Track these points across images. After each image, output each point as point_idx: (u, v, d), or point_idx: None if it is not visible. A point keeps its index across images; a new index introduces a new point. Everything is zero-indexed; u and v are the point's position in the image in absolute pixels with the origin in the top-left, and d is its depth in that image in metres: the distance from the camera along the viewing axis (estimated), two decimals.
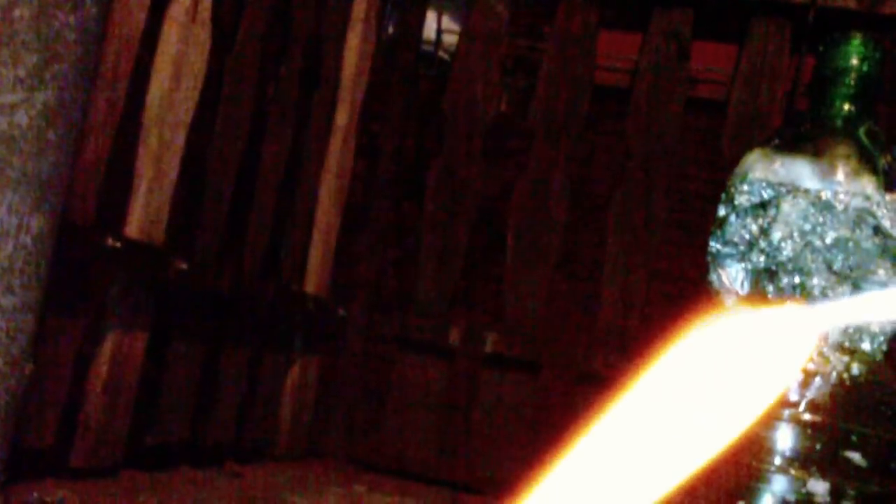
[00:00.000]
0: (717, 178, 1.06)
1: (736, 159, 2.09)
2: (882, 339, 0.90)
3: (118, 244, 1.55)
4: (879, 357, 0.89)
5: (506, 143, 2.79)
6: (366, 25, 2.28)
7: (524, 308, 2.21)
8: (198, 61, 1.77)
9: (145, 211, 1.68)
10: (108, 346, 1.59)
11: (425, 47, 2.88)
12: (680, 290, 3.20)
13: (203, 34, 1.77)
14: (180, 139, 1.74)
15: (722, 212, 0.95)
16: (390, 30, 2.41)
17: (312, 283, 2.24)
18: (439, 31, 3.92)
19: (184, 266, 1.71)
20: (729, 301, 0.91)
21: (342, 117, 2.26)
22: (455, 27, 3.58)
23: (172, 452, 1.80)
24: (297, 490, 1.80)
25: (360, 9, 2.28)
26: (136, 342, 1.65)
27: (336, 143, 2.27)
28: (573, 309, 2.82)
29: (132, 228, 1.66)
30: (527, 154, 2.28)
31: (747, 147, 2.18)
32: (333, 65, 2.24)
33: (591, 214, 2.73)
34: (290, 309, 2.17)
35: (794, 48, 2.13)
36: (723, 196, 0.96)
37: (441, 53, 3.79)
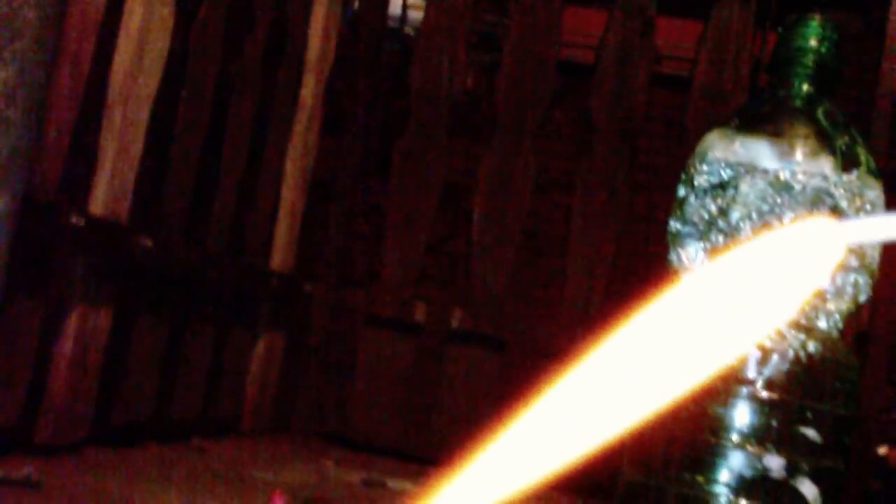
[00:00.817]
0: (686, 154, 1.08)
1: (699, 136, 2.10)
2: (837, 316, 0.91)
3: (82, 222, 1.55)
4: (835, 334, 0.90)
5: (472, 120, 2.79)
6: (331, 2, 2.28)
7: (490, 284, 2.23)
8: (161, 38, 1.76)
9: (109, 188, 1.67)
10: (72, 324, 1.58)
11: (391, 23, 2.88)
12: (647, 265, 3.23)
13: (166, 11, 1.76)
14: (144, 116, 1.73)
15: (682, 192, 0.96)
16: (356, 5, 2.40)
17: (278, 259, 2.25)
18: (405, 7, 3.91)
19: (148, 243, 1.70)
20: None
21: (307, 94, 2.26)
22: (420, 2, 3.58)
23: (139, 429, 1.81)
24: (263, 465, 1.81)
25: None
26: (101, 320, 1.64)
27: (301, 121, 2.26)
28: (539, 285, 2.84)
29: (96, 206, 1.65)
30: (493, 130, 2.28)
31: (711, 123, 2.20)
32: (298, 42, 2.24)
33: (559, 190, 2.74)
34: (256, 286, 2.18)
35: (759, 26, 2.14)
36: (682, 176, 0.97)
37: (407, 29, 3.78)
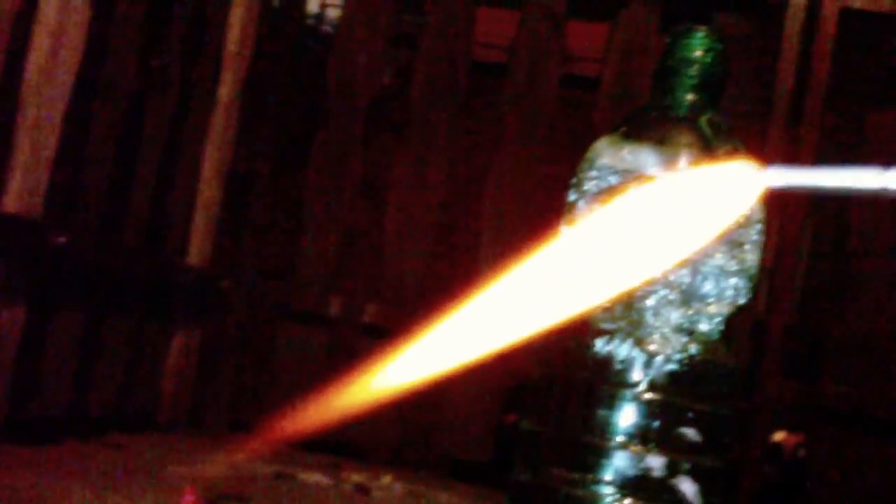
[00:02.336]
0: None
1: (607, 133, 2.15)
2: (719, 319, 0.95)
3: None
4: (716, 337, 0.93)
5: (389, 116, 2.81)
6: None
7: (402, 279, 2.26)
8: (77, 34, 1.76)
9: (23, 185, 1.67)
10: None
11: (309, 21, 2.89)
12: None
13: (82, 6, 1.77)
14: (59, 113, 1.74)
15: (572, 197, 1.00)
16: (275, 2, 2.42)
17: (195, 254, 2.26)
18: (323, 5, 3.93)
19: (62, 239, 1.71)
20: None
21: (225, 90, 2.28)
22: (338, 1, 3.59)
23: (55, 424, 1.81)
24: (177, 460, 1.83)
25: None
26: (15, 315, 1.65)
27: (219, 116, 2.28)
28: (452, 280, 2.88)
29: (10, 202, 1.65)
30: (408, 127, 2.32)
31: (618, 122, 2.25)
32: (216, 38, 2.25)
33: (474, 185, 2.78)
34: (173, 280, 2.19)
35: (664, 28, 2.20)
36: (573, 181, 1.01)
37: (325, 27, 3.80)
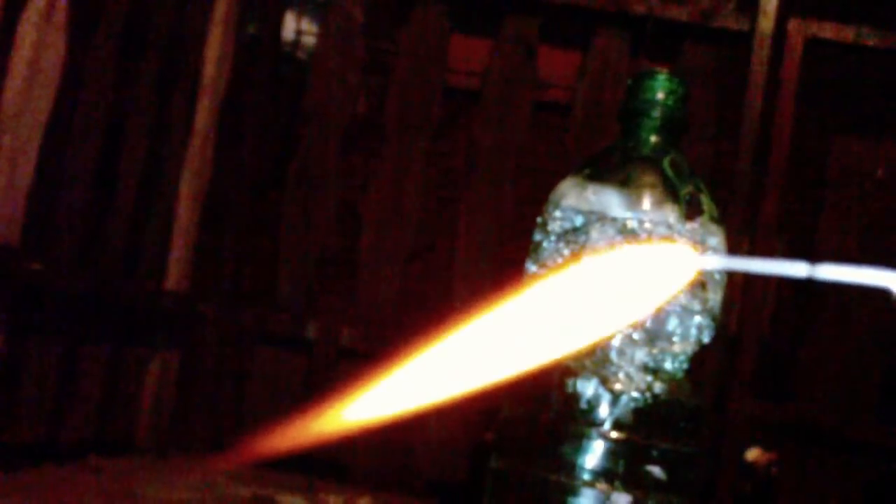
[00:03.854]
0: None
1: (580, 157, 2.20)
2: (683, 358, 0.98)
3: None
4: (680, 376, 0.95)
5: (363, 142, 2.85)
6: (225, 27, 2.31)
7: (377, 302, 2.29)
8: (53, 64, 1.79)
9: (0, 212, 1.69)
10: None
11: (285, 48, 2.92)
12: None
13: (58, 38, 1.79)
14: (36, 141, 1.76)
15: (538, 237, 1.02)
16: (250, 30, 2.44)
17: (173, 278, 2.28)
18: (299, 32, 3.96)
19: (38, 266, 1.73)
20: None
21: (202, 117, 2.30)
22: (314, 28, 3.62)
23: (33, 450, 1.83)
24: (156, 483, 1.84)
25: (220, 11, 2.30)
26: None
27: (196, 143, 2.30)
28: (427, 302, 2.91)
29: None
30: (382, 152, 2.34)
31: (590, 146, 2.29)
32: (193, 66, 2.27)
33: (449, 207, 2.81)
34: (150, 305, 2.20)
35: (634, 54, 2.24)
36: (538, 221, 1.03)
37: (300, 54, 3.83)
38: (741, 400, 2.13)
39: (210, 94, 2.31)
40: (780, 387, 2.36)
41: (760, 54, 2.10)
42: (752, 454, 2.47)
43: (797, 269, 0.52)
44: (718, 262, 0.62)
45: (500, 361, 0.72)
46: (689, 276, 0.56)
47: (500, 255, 2.28)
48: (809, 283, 2.39)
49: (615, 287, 0.60)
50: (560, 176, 1.22)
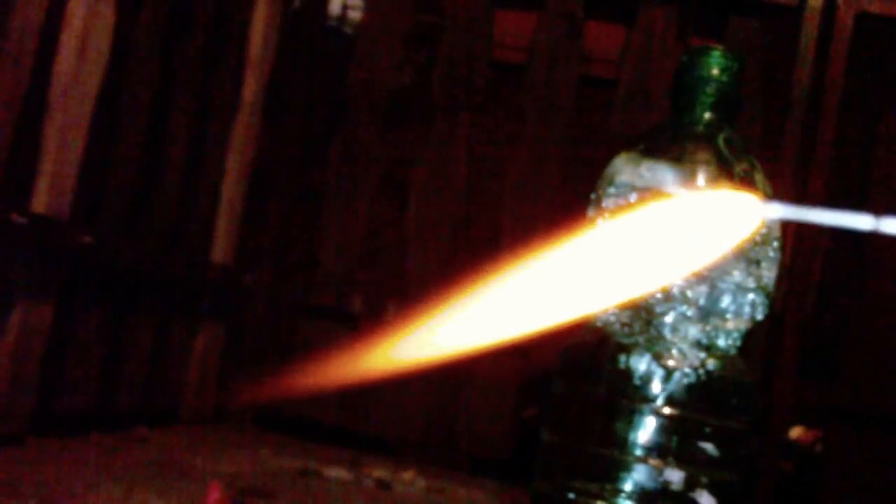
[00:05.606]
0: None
1: (623, 133, 2.17)
2: (736, 335, 0.97)
3: (24, 220, 1.59)
4: (733, 352, 0.95)
5: (409, 114, 2.84)
6: (271, 2, 2.32)
7: (424, 274, 2.29)
8: (103, 37, 1.79)
9: (51, 186, 1.70)
10: (14, 319, 1.63)
11: (330, 22, 2.92)
12: None
13: (107, 10, 1.80)
14: (86, 115, 1.77)
15: (591, 213, 1.02)
16: (296, 4, 2.44)
17: (219, 251, 2.29)
18: (345, 7, 3.97)
19: (89, 239, 1.75)
20: None
21: (249, 91, 2.31)
22: (360, 2, 3.62)
23: (82, 419, 1.85)
24: (202, 454, 1.86)
25: None
26: (43, 313, 1.69)
27: (243, 117, 2.31)
28: (472, 274, 2.90)
29: (38, 203, 1.69)
30: (429, 126, 2.34)
31: (635, 125, 2.28)
32: (239, 40, 2.28)
33: (494, 180, 2.81)
34: (197, 277, 2.22)
35: (681, 30, 2.22)
36: (592, 197, 1.03)
37: (345, 28, 3.84)
38: (786, 379, 2.12)
39: (256, 69, 2.32)
40: (826, 366, 2.34)
41: (810, 29, 2.08)
42: (796, 432, 2.46)
43: (860, 221, 0.52)
44: (779, 210, 0.62)
45: (548, 310, 0.72)
46: (751, 229, 0.56)
47: (544, 224, 2.27)
48: (855, 265, 2.37)
49: (674, 238, 0.60)
50: (605, 151, 1.21)
